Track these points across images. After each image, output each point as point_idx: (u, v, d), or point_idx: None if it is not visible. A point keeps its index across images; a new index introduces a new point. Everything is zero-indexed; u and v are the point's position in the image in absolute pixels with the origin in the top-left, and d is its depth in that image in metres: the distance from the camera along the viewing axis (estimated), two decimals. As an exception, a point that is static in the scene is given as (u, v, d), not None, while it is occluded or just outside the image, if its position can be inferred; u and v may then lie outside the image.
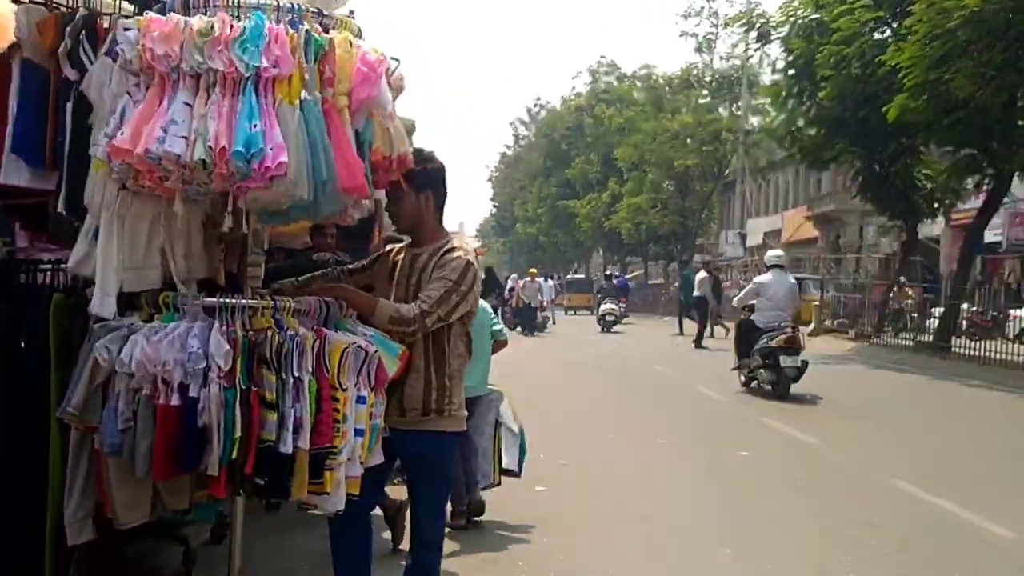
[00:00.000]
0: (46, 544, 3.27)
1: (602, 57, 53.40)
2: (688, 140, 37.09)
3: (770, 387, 11.76)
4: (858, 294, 23.85)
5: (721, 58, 38.12)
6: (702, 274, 22.85)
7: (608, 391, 13.23)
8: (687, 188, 39.32)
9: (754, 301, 12.15)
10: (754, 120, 35.57)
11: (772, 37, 20.51)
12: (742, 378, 12.52)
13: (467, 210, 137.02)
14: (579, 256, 61.52)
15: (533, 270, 27.42)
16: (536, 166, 62.87)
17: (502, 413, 6.13)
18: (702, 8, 37.62)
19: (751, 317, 12.16)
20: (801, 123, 20.71)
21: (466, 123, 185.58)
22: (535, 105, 69.62)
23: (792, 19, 19.34)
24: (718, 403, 11.79)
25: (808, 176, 43.07)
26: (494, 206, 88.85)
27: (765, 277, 12.27)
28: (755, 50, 21.05)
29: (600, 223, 47.35)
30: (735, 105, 36.51)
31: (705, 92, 37.92)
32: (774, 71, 20.63)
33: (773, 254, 12.80)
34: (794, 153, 21.68)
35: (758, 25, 20.75)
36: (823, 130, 20.00)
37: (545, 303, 26.92)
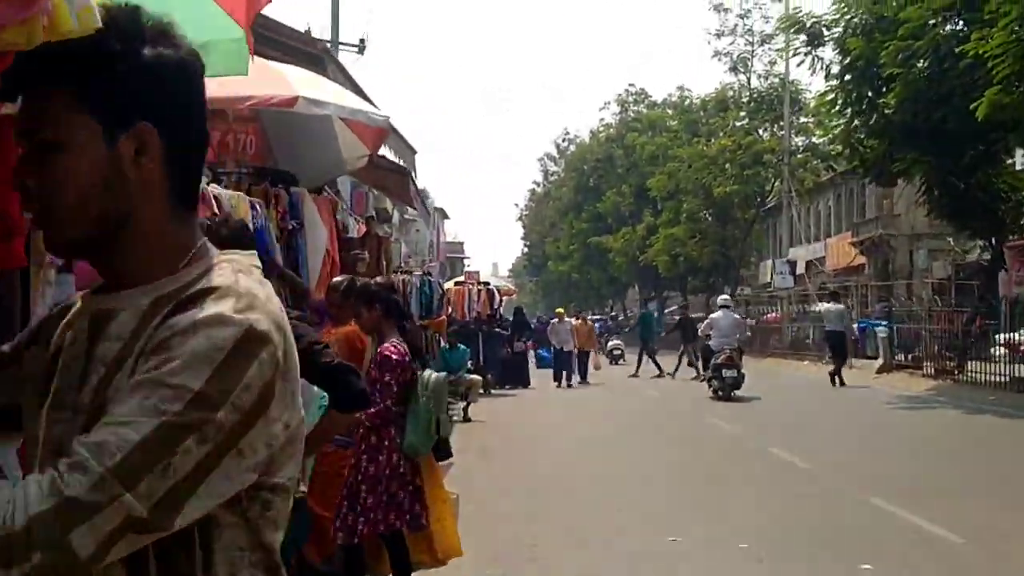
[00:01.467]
0: None
1: (630, 85, 51.47)
2: (727, 165, 34.81)
3: (720, 392, 16.59)
4: (929, 324, 21.29)
5: (759, 76, 35.96)
6: (832, 305, 21.01)
7: (666, 463, 10.89)
8: (726, 216, 36.97)
9: (711, 332, 17.67)
10: (797, 140, 33.22)
11: (825, 38, 18.25)
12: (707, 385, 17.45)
13: (499, 250, 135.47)
14: (614, 293, 59.18)
15: (560, 309, 24.11)
16: (566, 201, 60.88)
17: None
18: (735, 26, 35.55)
19: (708, 343, 17.69)
20: (862, 134, 18.37)
21: (495, 162, 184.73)
22: (563, 139, 67.88)
23: (848, 15, 17.06)
24: (806, 474, 9.40)
25: (851, 200, 40.70)
26: (525, 245, 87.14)
27: (716, 315, 18.13)
28: (804, 55, 18.74)
29: (635, 257, 45.06)
30: (776, 125, 34.20)
31: (743, 113, 35.66)
32: (827, 76, 18.41)
33: (722, 298, 19.87)
34: (856, 167, 19.32)
35: (808, 25, 18.47)
36: (888, 139, 17.64)
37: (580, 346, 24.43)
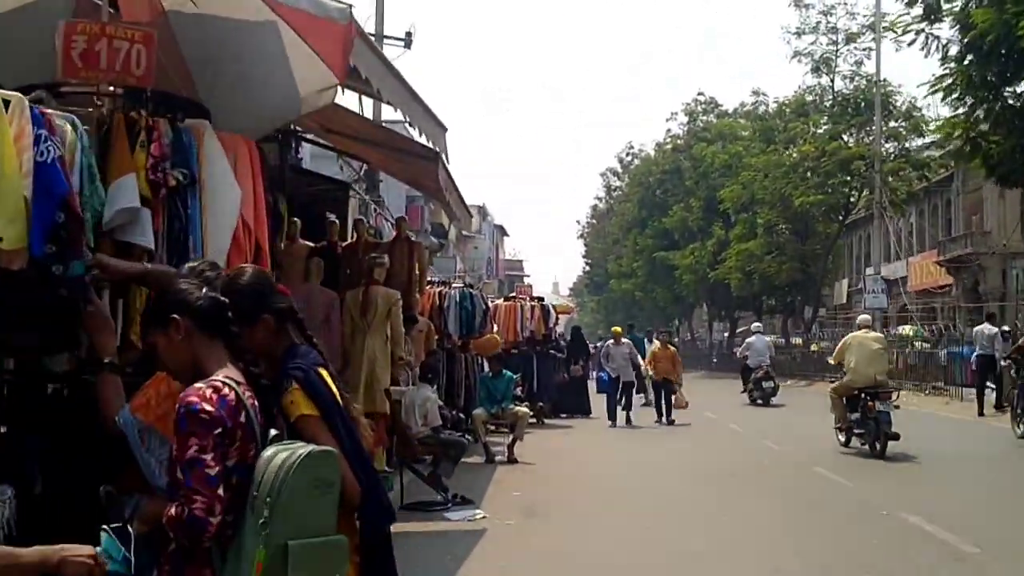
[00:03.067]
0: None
1: (700, 94, 48.68)
2: (808, 174, 31.82)
3: (761, 400, 20.82)
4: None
5: (844, 77, 32.88)
6: (986, 327, 17.38)
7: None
8: (806, 230, 33.92)
9: (748, 352, 21.93)
10: (888, 146, 30.11)
11: (943, 12, 15.42)
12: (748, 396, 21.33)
13: (559, 269, 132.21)
14: (680, 312, 56.20)
15: (617, 328, 18.55)
16: (630, 217, 58.25)
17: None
18: (818, 23, 32.58)
19: (747, 362, 21.95)
20: (985, 125, 15.51)
21: (558, 178, 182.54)
22: (627, 153, 65.37)
23: (977, -19, 14.21)
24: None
25: (936, 216, 37.38)
26: (587, 263, 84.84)
27: (751, 339, 22.60)
28: (917, 32, 15.91)
29: (704, 275, 42.13)
30: (863, 131, 31.15)
31: (824, 118, 32.64)
32: (944, 59, 15.56)
33: (755, 325, 25.17)
34: (977, 166, 16.44)
35: (924, -3, 15.57)
36: (1019, 132, 14.75)
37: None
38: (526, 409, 12.13)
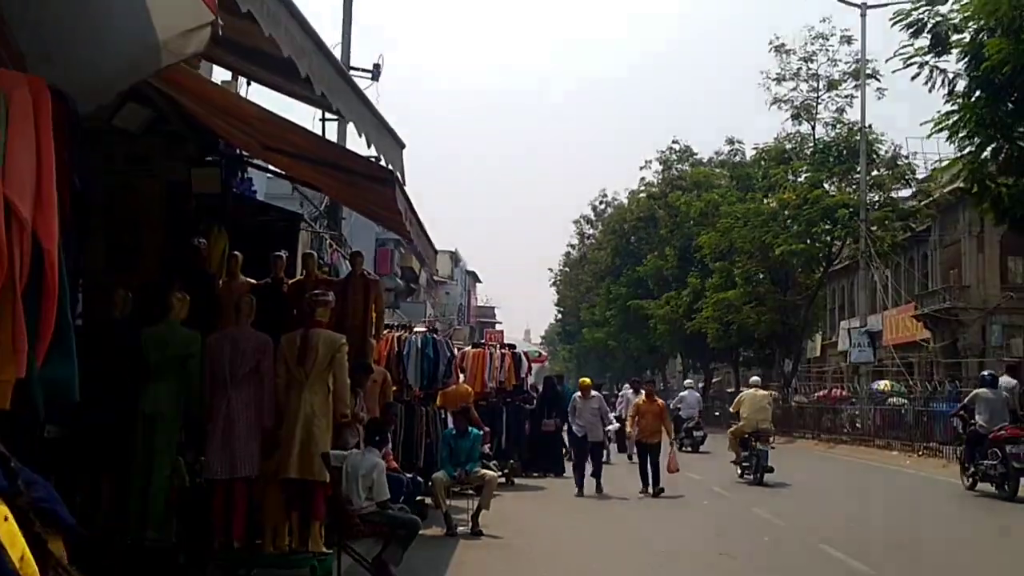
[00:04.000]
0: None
1: (674, 142, 47.91)
2: (790, 222, 30.82)
3: (690, 447, 22.76)
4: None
5: (825, 124, 32.09)
6: (1007, 379, 15.95)
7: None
8: (787, 280, 32.84)
9: (680, 406, 23.99)
10: (872, 195, 29.20)
11: (951, 43, 14.36)
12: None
13: (532, 316, 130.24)
14: (654, 363, 54.91)
15: (586, 380, 15.70)
16: (603, 265, 57.32)
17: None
18: (799, 70, 31.84)
19: (679, 414, 23.19)
20: (994, 167, 14.42)
21: (528, 225, 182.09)
22: (600, 201, 64.59)
23: (991, 8, 13.05)
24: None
25: (912, 269, 36.62)
26: (559, 311, 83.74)
27: (684, 393, 25.04)
28: (920, 65, 14.87)
29: (679, 325, 40.93)
30: (847, 179, 30.25)
31: (806, 166, 31.74)
32: (951, 94, 14.51)
33: (688, 382, 29.05)
34: (985, 211, 15.33)
35: (930, 25, 14.52)
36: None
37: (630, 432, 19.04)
38: (494, 473, 10.60)
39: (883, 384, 28.56)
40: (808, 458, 22.75)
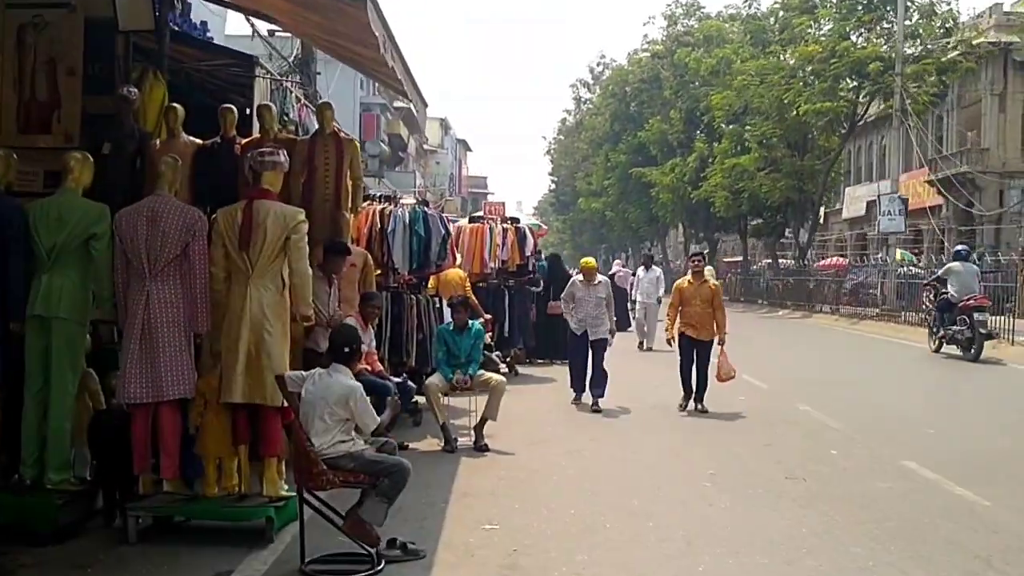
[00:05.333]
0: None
1: (679, -6, 44.14)
2: (811, 79, 28.15)
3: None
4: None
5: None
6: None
7: None
8: (804, 143, 30.41)
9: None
10: (908, 47, 26.42)
11: None
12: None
13: (524, 187, 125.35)
14: (654, 234, 52.98)
15: (589, 260, 11.52)
16: (601, 132, 54.66)
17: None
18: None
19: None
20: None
21: (522, 92, 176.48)
22: (598, 64, 61.14)
23: None
24: None
25: (925, 131, 34.34)
26: (553, 181, 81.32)
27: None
28: None
29: (684, 193, 38.72)
30: (875, 30, 27.40)
31: (832, 15, 28.66)
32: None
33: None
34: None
35: None
36: None
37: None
38: (501, 377, 8.68)
39: (897, 254, 27.09)
40: (829, 335, 21.06)
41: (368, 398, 5.36)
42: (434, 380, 8.47)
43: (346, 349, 5.34)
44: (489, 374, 8.67)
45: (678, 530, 5.93)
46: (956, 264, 15.93)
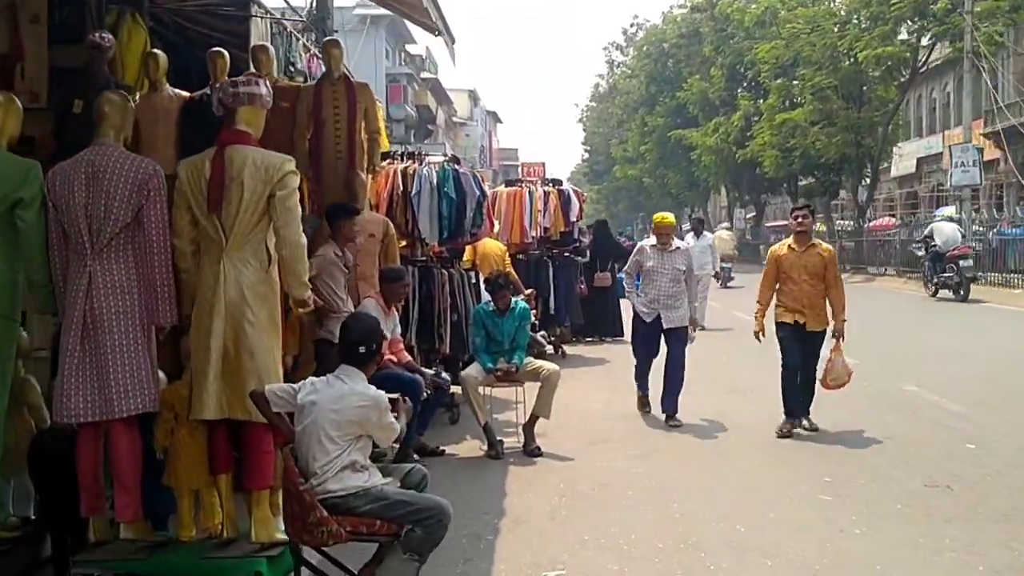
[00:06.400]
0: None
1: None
2: (868, 23, 26.06)
3: None
4: None
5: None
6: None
7: None
8: (861, 94, 28.30)
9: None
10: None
11: None
12: None
13: (555, 159, 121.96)
14: (696, 199, 50.99)
15: (667, 216, 8.44)
16: (636, 95, 52.61)
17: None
18: None
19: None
20: None
21: (552, 55, 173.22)
22: (632, 25, 59.00)
23: None
24: None
25: (979, 82, 31.97)
26: (585, 150, 79.38)
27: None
28: None
29: (729, 154, 36.71)
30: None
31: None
32: None
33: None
34: None
35: None
36: None
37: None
38: (554, 366, 7.15)
39: (948, 211, 25.29)
40: (902, 300, 19.24)
41: (394, 397, 3.91)
42: (472, 371, 6.98)
43: (361, 349, 3.86)
44: (539, 362, 7.17)
45: (807, 571, 4.42)
46: (940, 223, 19.13)
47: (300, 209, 4.39)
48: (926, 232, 19.24)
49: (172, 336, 4.61)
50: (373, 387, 3.85)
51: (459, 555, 4.69)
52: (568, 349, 12.65)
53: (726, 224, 35.11)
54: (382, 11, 40.42)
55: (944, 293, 17.77)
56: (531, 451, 6.81)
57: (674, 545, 4.84)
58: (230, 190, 4.25)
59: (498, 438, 6.92)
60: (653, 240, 8.20)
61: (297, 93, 7.27)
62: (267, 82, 4.57)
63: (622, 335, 13.72)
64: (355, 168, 7.06)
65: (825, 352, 7.31)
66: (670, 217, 8.44)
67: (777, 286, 7.35)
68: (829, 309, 7.22)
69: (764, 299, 7.43)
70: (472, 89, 67.53)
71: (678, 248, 8.12)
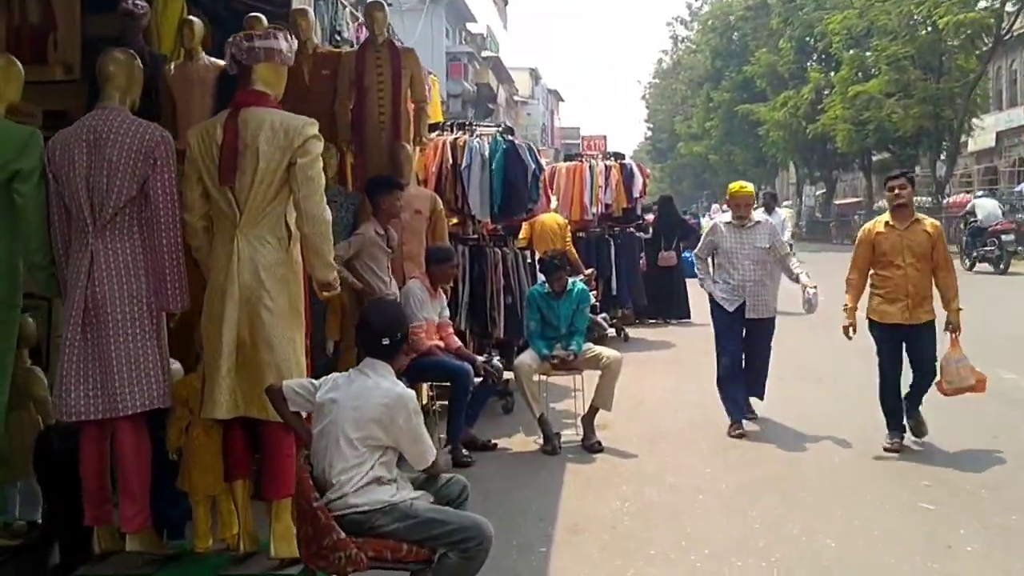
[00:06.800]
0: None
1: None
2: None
3: None
4: None
5: None
6: None
7: None
8: (940, 65, 26.82)
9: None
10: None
11: None
12: None
13: (618, 139, 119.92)
14: (763, 176, 49.58)
15: (744, 186, 6.99)
16: (701, 71, 51.35)
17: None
18: None
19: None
20: None
21: (614, 32, 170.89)
22: (697, -1, 57.33)
23: None
24: None
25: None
26: (648, 128, 78.01)
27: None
28: None
29: (799, 129, 35.38)
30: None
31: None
32: None
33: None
34: None
35: None
36: None
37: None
38: (616, 353, 6.53)
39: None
40: (992, 283, 18.02)
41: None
42: (526, 359, 6.40)
43: (384, 340, 3.31)
44: (599, 349, 6.56)
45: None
46: (982, 200, 20.43)
47: (324, 179, 3.85)
48: (967, 208, 20.52)
49: (187, 322, 4.14)
50: (402, 383, 3.31)
51: (509, 569, 4.14)
52: (631, 332, 12.01)
53: (788, 202, 33.91)
54: (442, -10, 40.05)
55: (982, 267, 18.39)
56: (591, 446, 6.22)
57: (754, 563, 4.21)
58: (244, 158, 3.73)
59: (555, 431, 6.34)
60: (728, 216, 6.93)
61: (339, 60, 6.76)
62: (289, 35, 4.01)
63: (688, 317, 13.04)
64: (400, 139, 6.53)
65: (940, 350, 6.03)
66: (748, 186, 6.99)
67: (873, 272, 6.12)
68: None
69: (856, 288, 6.17)
70: (534, 68, 66.76)
71: (759, 223, 6.75)
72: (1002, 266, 18.00)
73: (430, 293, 6.22)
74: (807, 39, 36.32)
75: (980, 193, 20.91)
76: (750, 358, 6.78)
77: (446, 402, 6.20)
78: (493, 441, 6.40)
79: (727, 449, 6.26)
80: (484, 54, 47.69)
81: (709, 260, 7.02)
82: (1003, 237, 18.21)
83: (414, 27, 26.93)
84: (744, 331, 6.72)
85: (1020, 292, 14.13)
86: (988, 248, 18.38)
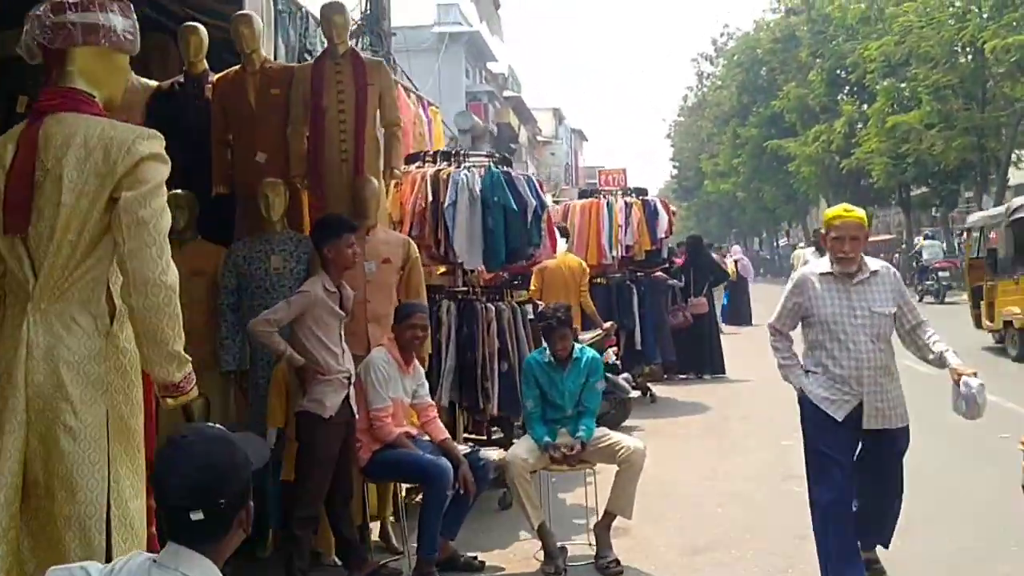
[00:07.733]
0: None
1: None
2: (992, 10, 23.14)
3: None
4: None
5: None
6: None
7: None
8: (984, 93, 25.29)
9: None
10: None
11: None
12: None
13: (643, 175, 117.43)
14: (793, 214, 47.94)
15: (853, 210, 4.30)
16: (727, 107, 49.95)
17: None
18: None
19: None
20: None
21: (638, 71, 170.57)
22: (722, 34, 56.38)
23: None
24: None
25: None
26: (674, 166, 76.79)
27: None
28: None
29: (832, 164, 33.84)
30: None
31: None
32: None
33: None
34: None
35: None
36: None
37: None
38: (638, 443, 5.04)
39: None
40: None
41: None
42: (520, 452, 4.96)
43: (194, 514, 1.83)
44: (616, 436, 5.10)
45: None
46: (927, 241, 24.76)
47: (167, 220, 2.48)
48: (915, 248, 25.37)
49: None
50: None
51: None
52: (658, 390, 10.54)
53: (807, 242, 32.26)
54: (460, 28, 39.31)
55: (928, 299, 21.00)
56: (606, 565, 4.75)
57: None
58: (42, 192, 2.39)
59: (559, 544, 4.88)
60: (824, 263, 4.35)
61: (291, 76, 5.50)
62: (127, 8, 2.68)
63: (723, 372, 11.55)
64: (363, 172, 5.23)
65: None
66: (857, 211, 4.31)
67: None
68: None
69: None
70: (557, 108, 66.00)
71: (875, 273, 4.28)
72: (941, 297, 21.05)
73: (399, 365, 4.85)
74: (838, 71, 34.90)
75: (927, 233, 26.31)
76: (871, 491, 4.33)
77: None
78: (480, 558, 4.94)
79: (793, 566, 4.75)
80: (506, 93, 46.85)
81: (793, 334, 4.46)
82: (939, 273, 21.74)
83: (433, 66, 26.14)
84: (860, 449, 4.26)
85: (955, 318, 14.31)
86: (930, 283, 21.77)
